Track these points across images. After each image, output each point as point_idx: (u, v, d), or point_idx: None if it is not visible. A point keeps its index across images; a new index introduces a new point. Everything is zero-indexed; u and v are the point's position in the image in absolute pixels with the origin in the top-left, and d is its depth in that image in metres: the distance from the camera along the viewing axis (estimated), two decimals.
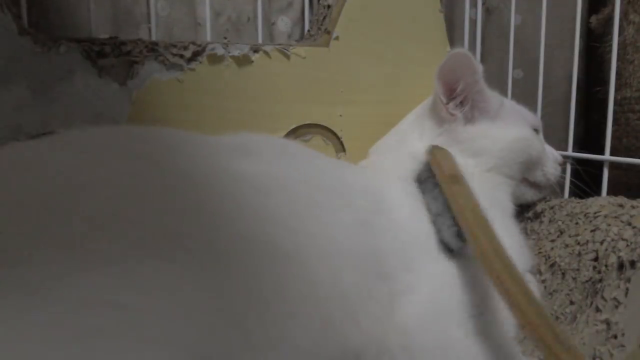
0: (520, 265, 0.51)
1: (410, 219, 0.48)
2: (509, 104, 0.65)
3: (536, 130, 0.64)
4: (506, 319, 0.45)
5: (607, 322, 0.45)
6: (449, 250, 0.46)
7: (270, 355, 0.31)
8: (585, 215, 0.59)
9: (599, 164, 0.74)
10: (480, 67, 0.58)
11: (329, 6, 0.68)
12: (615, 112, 0.76)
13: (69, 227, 0.28)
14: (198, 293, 0.29)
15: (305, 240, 0.37)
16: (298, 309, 0.34)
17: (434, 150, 0.52)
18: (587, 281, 0.51)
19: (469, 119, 0.58)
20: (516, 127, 0.60)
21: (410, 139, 0.61)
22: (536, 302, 0.36)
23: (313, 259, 0.37)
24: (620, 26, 0.81)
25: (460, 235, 0.44)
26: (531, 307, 0.36)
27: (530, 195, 0.66)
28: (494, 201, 0.57)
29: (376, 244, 0.43)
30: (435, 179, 0.49)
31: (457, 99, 0.58)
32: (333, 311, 0.36)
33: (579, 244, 0.55)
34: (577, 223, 0.59)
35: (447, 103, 0.58)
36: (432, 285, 0.44)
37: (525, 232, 0.64)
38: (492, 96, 0.61)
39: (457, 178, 0.47)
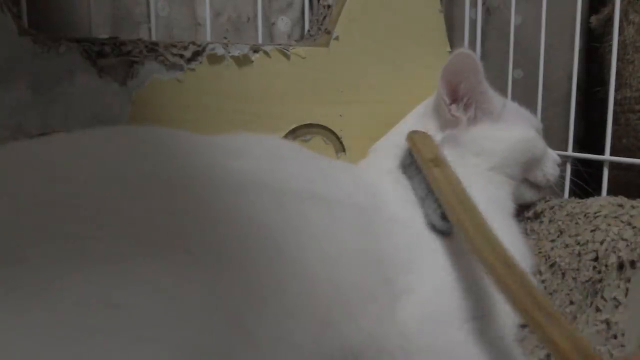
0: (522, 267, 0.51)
1: (403, 213, 0.48)
2: (511, 105, 0.65)
3: (537, 132, 0.64)
4: (506, 320, 0.45)
5: (607, 322, 0.45)
6: (438, 232, 0.46)
7: (270, 354, 0.31)
8: (585, 215, 0.58)
9: (599, 164, 0.74)
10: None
11: (329, 6, 0.68)
12: (615, 112, 0.76)
13: (68, 227, 0.28)
14: (197, 292, 0.29)
15: (303, 239, 0.37)
16: (297, 308, 0.34)
17: (412, 136, 0.52)
18: (587, 281, 0.51)
19: (472, 120, 0.58)
20: (519, 128, 0.60)
21: None
22: (522, 275, 0.36)
23: (312, 258, 0.37)
24: (620, 26, 0.80)
25: (445, 216, 0.45)
26: (515, 279, 0.36)
27: (530, 195, 0.66)
28: (496, 201, 0.57)
29: (375, 244, 0.43)
30: (417, 164, 0.49)
31: (460, 100, 0.58)
32: (332, 311, 0.36)
33: (579, 244, 0.55)
34: (577, 223, 0.59)
35: (451, 104, 0.58)
36: (432, 285, 0.44)
37: (525, 232, 0.64)
38: (495, 97, 0.61)
39: (437, 160, 0.47)
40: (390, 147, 0.60)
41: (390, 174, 0.54)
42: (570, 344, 0.31)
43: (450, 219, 0.43)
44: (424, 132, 0.53)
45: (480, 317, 0.44)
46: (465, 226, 0.41)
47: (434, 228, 0.47)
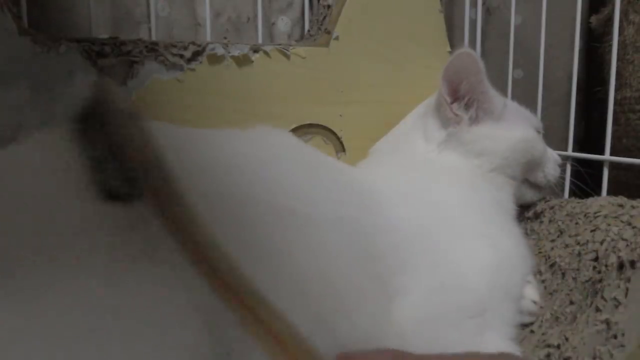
0: (522, 268, 0.51)
1: (411, 216, 0.48)
2: (512, 105, 0.65)
3: (537, 132, 0.64)
4: (505, 319, 0.45)
5: (607, 322, 0.45)
6: None
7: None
8: (585, 215, 0.58)
9: (599, 164, 0.74)
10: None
11: (329, 6, 0.68)
12: (615, 112, 0.76)
13: (67, 227, 0.28)
14: (197, 293, 0.28)
15: (298, 237, 0.37)
16: (290, 306, 0.34)
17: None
18: (587, 281, 0.51)
19: (473, 120, 0.58)
20: (520, 128, 0.60)
21: (413, 140, 0.61)
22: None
23: (306, 256, 0.37)
24: (620, 26, 0.80)
25: None
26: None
27: (530, 195, 0.66)
28: (498, 203, 0.57)
29: (372, 244, 0.43)
30: None
31: (461, 99, 0.58)
32: (326, 309, 0.36)
33: (579, 244, 0.55)
34: (577, 223, 0.59)
35: (452, 103, 0.58)
36: (428, 285, 0.44)
37: (525, 232, 0.64)
38: (496, 97, 0.61)
39: None
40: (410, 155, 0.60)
41: (402, 181, 0.53)
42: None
43: None
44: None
45: (479, 316, 0.44)
46: None
47: None
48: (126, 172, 0.31)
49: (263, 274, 0.33)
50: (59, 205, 0.29)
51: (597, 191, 0.71)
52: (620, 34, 0.79)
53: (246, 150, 0.42)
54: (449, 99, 0.58)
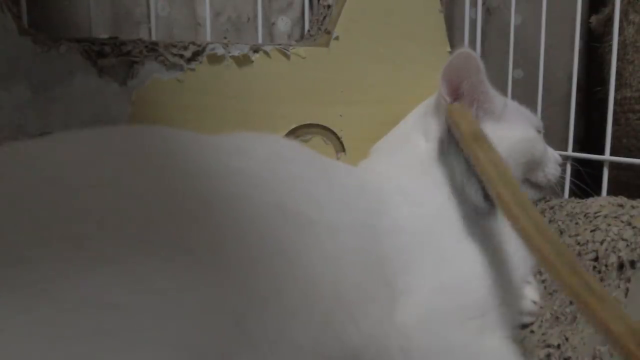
0: (522, 268, 0.51)
1: (413, 216, 0.48)
2: (512, 104, 0.65)
3: (538, 132, 0.64)
4: (506, 319, 0.45)
5: None
6: (478, 212, 0.45)
7: (270, 355, 0.31)
8: (585, 215, 0.58)
9: (599, 164, 0.74)
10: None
11: (329, 6, 0.68)
12: (615, 112, 0.76)
13: (68, 227, 0.28)
14: (197, 293, 0.29)
15: (305, 239, 0.37)
16: (297, 308, 0.34)
17: (450, 108, 0.49)
18: None
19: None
20: (520, 128, 0.60)
21: (413, 139, 0.61)
22: (569, 256, 0.34)
23: (312, 259, 0.37)
24: (620, 26, 0.81)
25: (487, 196, 0.43)
26: (558, 257, 0.34)
27: (530, 195, 0.66)
28: None
29: (375, 245, 0.43)
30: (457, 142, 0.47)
31: (461, 99, 0.58)
32: (332, 311, 0.36)
33: (579, 244, 0.55)
34: (577, 223, 0.59)
35: (452, 103, 0.58)
36: (431, 285, 0.44)
37: None
38: (497, 97, 0.61)
39: (476, 135, 0.46)
40: (411, 155, 0.59)
41: (404, 180, 0.53)
42: (624, 327, 0.29)
43: (491, 194, 0.41)
44: (461, 106, 0.50)
45: (480, 317, 0.44)
46: (508, 206, 0.38)
47: (475, 209, 0.45)
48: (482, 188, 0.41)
49: (274, 276, 0.34)
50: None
51: (597, 191, 0.71)
52: (620, 34, 0.79)
53: (253, 154, 0.42)
54: (448, 99, 0.58)
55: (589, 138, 1.02)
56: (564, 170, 0.71)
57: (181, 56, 0.57)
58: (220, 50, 0.59)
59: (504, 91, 0.77)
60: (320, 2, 0.69)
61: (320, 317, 0.35)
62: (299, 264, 0.36)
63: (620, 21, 0.79)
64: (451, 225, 0.49)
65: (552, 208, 0.65)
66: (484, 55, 0.94)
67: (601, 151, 0.74)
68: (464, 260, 0.46)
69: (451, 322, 0.43)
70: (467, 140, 0.46)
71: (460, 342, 0.42)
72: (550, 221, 0.63)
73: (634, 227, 0.51)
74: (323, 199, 0.42)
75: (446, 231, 0.48)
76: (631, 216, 0.53)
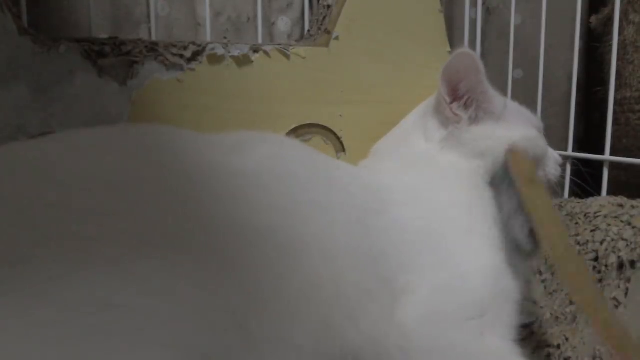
0: (522, 268, 0.51)
1: (412, 216, 0.48)
2: (512, 104, 0.65)
3: (538, 131, 0.64)
4: (506, 320, 0.45)
5: None
6: (520, 250, 0.47)
7: (270, 355, 0.31)
8: (585, 215, 0.58)
9: (599, 164, 0.74)
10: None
11: (329, 6, 0.68)
12: (615, 112, 0.76)
13: (68, 227, 0.28)
14: (198, 293, 0.29)
15: (304, 240, 0.37)
16: (297, 308, 0.34)
17: (512, 151, 0.52)
18: None
19: (473, 120, 0.58)
20: (521, 128, 0.60)
21: (413, 139, 0.61)
22: (607, 307, 0.37)
23: (313, 259, 0.37)
24: (620, 26, 0.80)
25: (532, 235, 0.46)
26: (605, 314, 0.36)
27: None
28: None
29: (375, 244, 0.43)
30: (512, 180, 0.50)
31: (461, 99, 0.58)
32: (332, 311, 0.36)
33: (579, 244, 0.55)
34: (577, 223, 0.59)
35: (451, 103, 0.58)
36: (431, 285, 0.44)
37: None
38: (496, 97, 0.61)
39: (533, 180, 0.48)
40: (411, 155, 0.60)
41: (408, 168, 0.54)
42: None
43: (541, 239, 0.43)
44: (523, 150, 0.53)
45: (480, 317, 0.44)
46: (558, 250, 0.41)
47: (515, 246, 0.47)
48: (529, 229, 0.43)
49: (274, 276, 0.34)
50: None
51: (597, 191, 0.71)
52: (620, 34, 0.79)
53: (253, 153, 0.42)
54: (448, 99, 0.58)
55: (589, 138, 1.02)
56: (564, 171, 0.71)
57: (181, 56, 0.57)
58: (220, 50, 0.59)
59: (504, 91, 0.77)
60: (320, 2, 0.69)
61: (320, 316, 0.35)
62: (299, 264, 0.36)
63: (620, 21, 0.79)
64: (450, 224, 0.49)
65: None
66: (483, 55, 0.94)
67: (601, 151, 0.74)
68: (463, 260, 0.46)
69: (451, 322, 0.42)
70: (524, 182, 0.48)
71: (460, 342, 0.42)
72: None
73: (634, 227, 0.51)
74: (323, 198, 0.42)
75: (445, 230, 0.48)
76: (631, 216, 0.53)
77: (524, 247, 0.46)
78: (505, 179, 0.50)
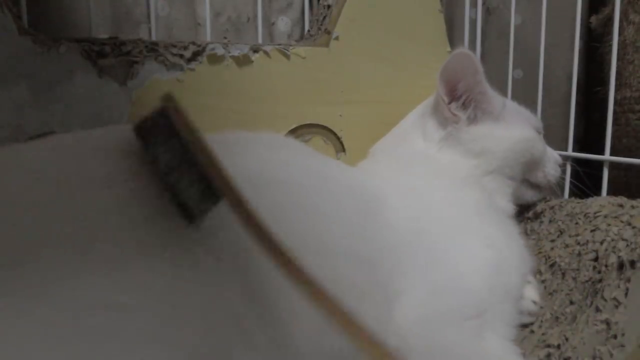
0: (521, 268, 0.51)
1: (410, 216, 0.47)
2: (511, 104, 0.65)
3: (538, 132, 0.64)
4: (504, 319, 0.45)
5: (607, 322, 0.45)
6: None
7: (270, 355, 0.31)
8: (585, 215, 0.58)
9: (599, 164, 0.74)
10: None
11: (329, 6, 0.68)
12: (615, 112, 0.76)
13: (68, 227, 0.28)
14: (197, 293, 0.29)
15: (303, 239, 0.37)
16: (297, 309, 0.34)
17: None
18: (587, 281, 0.51)
19: (472, 120, 0.58)
20: (519, 128, 0.60)
21: (412, 139, 0.61)
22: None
23: (310, 258, 0.37)
24: (620, 26, 0.81)
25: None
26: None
27: (530, 195, 0.66)
28: (496, 202, 0.57)
29: (372, 244, 0.43)
30: None
31: (459, 99, 0.58)
32: None
33: (579, 244, 0.55)
34: (577, 223, 0.59)
35: (449, 103, 0.58)
36: (427, 286, 0.43)
37: (525, 232, 0.64)
38: (495, 97, 0.61)
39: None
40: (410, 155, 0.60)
41: (406, 168, 0.54)
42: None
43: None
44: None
45: (477, 317, 0.44)
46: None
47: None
48: (201, 181, 0.33)
49: (273, 277, 0.33)
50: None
51: (597, 191, 0.71)
52: (620, 34, 0.79)
53: (251, 153, 0.42)
54: (446, 99, 0.58)
55: (589, 138, 1.02)
56: (563, 171, 0.71)
57: (181, 56, 0.57)
58: (220, 50, 0.59)
59: (503, 91, 0.77)
60: (320, 2, 0.69)
61: (319, 317, 0.35)
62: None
63: (620, 21, 0.79)
64: (447, 224, 0.49)
65: (552, 208, 0.65)
66: (483, 55, 0.94)
67: (601, 151, 0.74)
68: (460, 260, 0.46)
69: (448, 323, 0.42)
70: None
71: (458, 343, 0.42)
72: (550, 221, 0.63)
73: (634, 227, 0.51)
74: (320, 198, 0.42)
75: (442, 231, 0.48)
76: (631, 216, 0.53)
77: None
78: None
